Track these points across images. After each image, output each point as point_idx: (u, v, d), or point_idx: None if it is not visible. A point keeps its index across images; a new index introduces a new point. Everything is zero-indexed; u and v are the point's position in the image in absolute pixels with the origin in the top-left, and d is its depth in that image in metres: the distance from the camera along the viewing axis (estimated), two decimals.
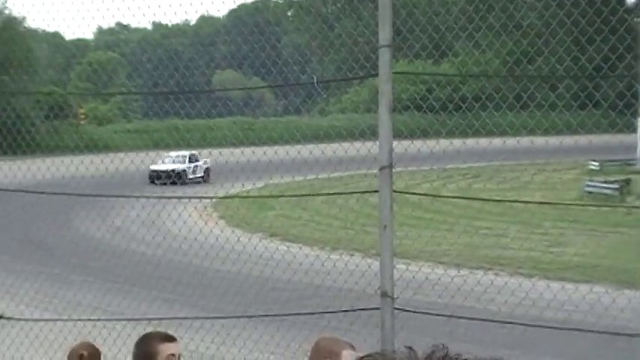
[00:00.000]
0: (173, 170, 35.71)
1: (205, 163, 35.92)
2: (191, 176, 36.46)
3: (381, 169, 6.45)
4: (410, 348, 1.14)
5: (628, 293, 16.93)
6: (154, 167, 33.19)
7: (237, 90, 32.82)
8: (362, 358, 1.15)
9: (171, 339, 4.88)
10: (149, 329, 11.23)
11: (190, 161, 37.75)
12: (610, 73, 12.36)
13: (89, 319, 10.77)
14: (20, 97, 18.26)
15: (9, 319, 7.79)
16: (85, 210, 26.00)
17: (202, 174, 36.51)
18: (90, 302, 14.87)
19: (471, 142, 13.29)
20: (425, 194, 19.16)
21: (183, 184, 33.84)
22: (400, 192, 7.15)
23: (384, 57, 6.45)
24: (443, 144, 12.47)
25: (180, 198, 18.62)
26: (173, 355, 4.77)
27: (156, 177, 32.13)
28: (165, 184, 32.04)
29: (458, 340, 13.66)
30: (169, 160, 36.48)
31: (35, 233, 23.81)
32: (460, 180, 33.26)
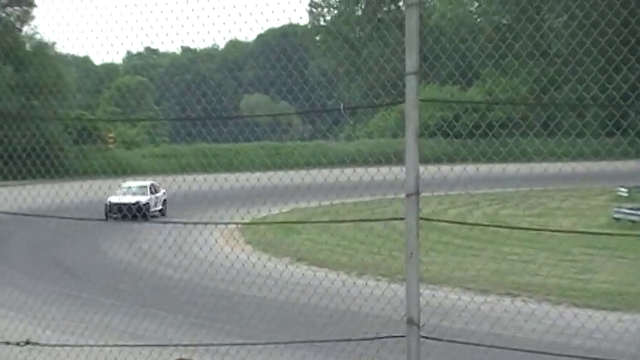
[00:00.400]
0: (136, 203, 31.71)
1: (164, 194, 33.06)
2: (152, 209, 32.46)
3: (408, 195, 6.45)
4: None
5: None
6: (113, 200, 30.46)
7: (265, 116, 32.89)
8: None
9: None
10: (175, 355, 11.24)
11: (151, 192, 33.88)
12: (637, 101, 12.30)
13: (116, 345, 10.79)
14: (50, 121, 18.41)
15: (35, 344, 7.82)
16: (113, 233, 26.13)
17: (161, 206, 33.10)
18: (117, 326, 14.90)
19: (497, 168, 13.26)
20: (452, 221, 19.12)
21: (145, 218, 30.56)
22: (427, 219, 7.15)
23: (411, 84, 6.46)
24: (470, 170, 12.47)
25: (206, 223, 18.65)
26: None
27: (116, 210, 29.68)
28: (125, 217, 29.76)
29: None
30: (129, 191, 33.15)
31: (63, 256, 23.93)
32: (487, 206, 33.14)
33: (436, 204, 26.57)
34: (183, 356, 5.72)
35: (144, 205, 31.38)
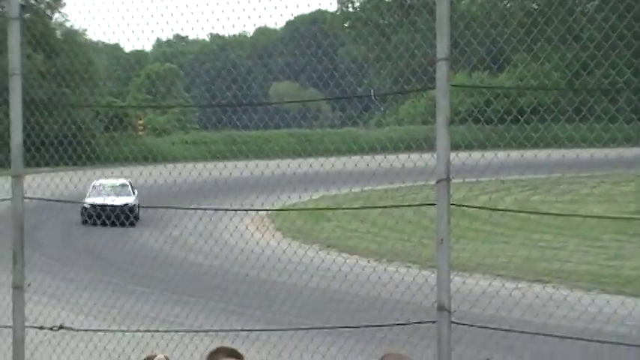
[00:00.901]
0: (125, 205, 26.86)
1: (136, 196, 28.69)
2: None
3: (438, 181, 6.43)
4: None
5: None
6: (94, 201, 26.16)
7: (295, 102, 32.84)
8: None
9: (237, 355, 5.05)
10: (206, 340, 11.30)
11: (133, 192, 29.01)
12: None
13: (147, 330, 10.86)
14: (80, 109, 18.51)
15: (69, 329, 7.88)
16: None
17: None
18: (147, 312, 15.00)
19: (529, 154, 13.20)
20: (483, 207, 19.03)
21: (132, 224, 25.46)
22: (458, 205, 7.12)
23: (442, 70, 6.44)
24: (501, 156, 12.39)
25: (237, 210, 18.70)
26: None
27: (98, 213, 23.95)
28: (113, 224, 24.38)
29: (516, 355, 13.56)
30: (111, 191, 28.70)
31: (94, 243, 24.09)
32: (518, 192, 33.00)
33: (467, 190, 26.47)
34: (224, 344, 5.74)
35: (132, 206, 26.94)
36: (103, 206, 25.64)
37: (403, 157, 10.20)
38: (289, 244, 22.79)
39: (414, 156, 10.67)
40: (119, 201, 27.54)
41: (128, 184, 28.83)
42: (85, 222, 26.51)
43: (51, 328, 7.51)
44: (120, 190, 29.04)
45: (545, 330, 12.31)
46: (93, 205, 25.81)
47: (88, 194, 27.57)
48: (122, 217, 24.26)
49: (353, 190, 26.83)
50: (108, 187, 28.73)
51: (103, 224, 22.77)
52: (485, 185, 29.69)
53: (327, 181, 13.17)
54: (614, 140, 16.24)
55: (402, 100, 35.30)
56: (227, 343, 9.08)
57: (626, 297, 16.73)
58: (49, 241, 24.71)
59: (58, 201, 10.76)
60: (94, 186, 28.20)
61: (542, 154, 13.92)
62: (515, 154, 13.16)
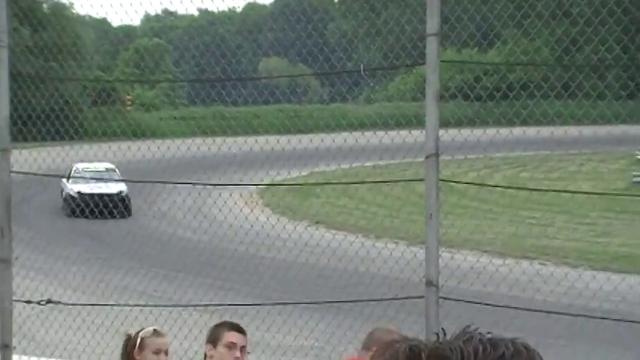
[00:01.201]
0: (119, 193, 24.25)
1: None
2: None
3: (427, 157, 6.43)
4: (442, 329, 1.18)
5: None
6: (81, 189, 24.28)
7: (283, 77, 32.73)
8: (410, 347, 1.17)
9: (238, 329, 5.13)
10: (194, 315, 11.29)
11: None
12: None
13: (136, 305, 10.86)
14: (68, 83, 18.43)
15: (56, 303, 7.88)
16: (131, 195, 26.20)
17: None
18: (136, 287, 15.01)
19: (518, 131, 13.21)
20: (471, 183, 19.06)
21: (127, 213, 23.42)
22: (446, 180, 7.13)
23: (432, 46, 6.42)
24: (490, 132, 12.40)
25: (225, 185, 18.66)
26: (234, 343, 4.99)
27: (87, 203, 21.28)
28: (102, 215, 21.56)
29: (503, 330, 13.57)
30: (96, 177, 25.13)
31: (82, 219, 24.04)
32: (507, 169, 33.05)
33: (455, 167, 26.48)
34: (225, 319, 5.85)
35: (126, 195, 24.40)
36: (92, 195, 22.66)
37: (392, 133, 10.20)
38: (278, 219, 22.78)
39: (403, 132, 10.68)
40: (111, 189, 24.30)
41: (115, 168, 24.90)
42: (71, 213, 23.20)
43: (38, 303, 7.50)
44: (106, 175, 25.14)
45: (532, 305, 12.36)
46: (81, 194, 23.48)
47: (68, 179, 24.79)
48: (114, 207, 21.78)
49: (341, 166, 26.84)
50: (91, 172, 25.04)
51: (93, 215, 20.35)
52: (474, 162, 29.72)
53: (315, 157, 13.18)
54: (603, 117, 16.28)
55: (392, 77, 35.24)
56: (216, 319, 9.09)
57: (613, 273, 16.82)
58: (36, 216, 24.65)
59: (45, 175, 10.74)
60: (75, 170, 24.64)
61: (530, 130, 13.95)
62: (504, 131, 13.16)
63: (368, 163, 24.29)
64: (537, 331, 13.54)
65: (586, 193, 22.05)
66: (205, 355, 5.15)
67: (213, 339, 5.10)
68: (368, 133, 11.29)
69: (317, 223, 23.69)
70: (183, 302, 13.94)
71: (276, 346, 12.57)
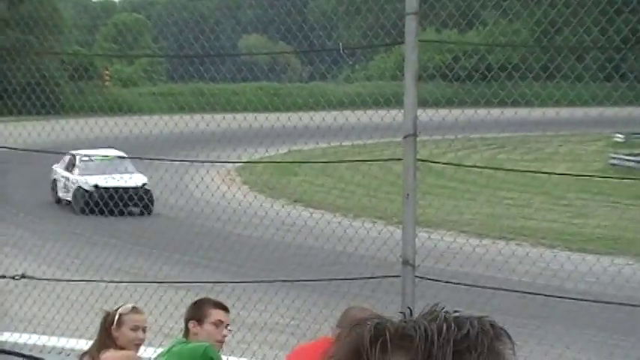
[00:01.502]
0: (143, 185, 21.15)
1: None
2: None
3: (405, 137, 6.43)
4: (409, 308, 1.18)
5: None
6: (97, 182, 21.72)
7: (262, 55, 32.62)
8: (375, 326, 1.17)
9: (224, 307, 5.24)
10: (170, 292, 11.28)
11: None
12: (637, 45, 12.22)
13: (112, 281, 10.83)
14: (45, 57, 18.29)
15: (31, 278, 7.84)
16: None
17: None
18: (112, 264, 14.96)
19: (496, 111, 13.24)
20: (448, 163, 19.11)
21: (148, 210, 20.34)
22: (424, 160, 7.14)
23: (411, 25, 6.40)
24: (468, 113, 12.43)
25: (203, 162, 18.60)
26: (221, 321, 5.03)
27: (101, 198, 18.35)
28: (123, 212, 18.47)
29: (478, 310, 13.64)
30: (109, 167, 22.43)
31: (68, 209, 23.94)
32: (485, 150, 33.14)
33: (433, 147, 26.52)
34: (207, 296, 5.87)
35: (148, 187, 20.86)
36: (111, 189, 19.45)
37: (371, 112, 10.20)
38: (255, 197, 22.77)
39: (382, 112, 10.67)
40: (134, 181, 21.20)
41: (127, 158, 21.57)
42: (87, 209, 19.62)
43: (13, 277, 7.46)
44: (119, 165, 22.26)
45: (507, 285, 12.43)
46: (98, 188, 20.86)
47: (70, 169, 22.57)
48: (138, 202, 18.99)
49: (320, 145, 26.81)
50: (98, 161, 22.27)
51: (112, 213, 17.30)
52: (452, 143, 29.77)
53: (294, 135, 13.16)
54: (580, 99, 16.33)
55: (371, 56, 35.20)
56: (192, 296, 9.09)
57: (588, 254, 16.93)
58: (12, 191, 24.53)
59: (23, 150, 10.65)
60: (80, 160, 22.42)
61: (508, 111, 13.98)
62: (482, 112, 13.19)
63: (346, 143, 24.31)
64: (512, 311, 13.62)
65: (562, 174, 22.17)
66: (188, 332, 5.15)
67: (198, 316, 5.11)
68: (346, 112, 11.29)
69: (295, 201, 23.68)
70: (158, 279, 13.91)
71: (251, 324, 12.58)
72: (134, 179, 21.44)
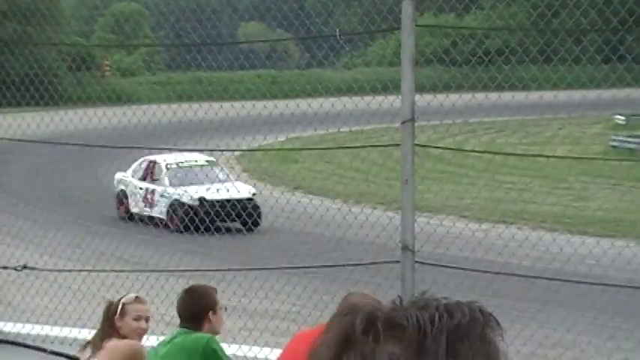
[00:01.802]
0: (252, 197, 18.79)
1: None
2: None
3: (403, 122, 6.45)
4: (399, 296, 1.19)
5: None
6: (203, 194, 18.73)
7: (259, 42, 32.59)
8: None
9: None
10: (172, 280, 11.32)
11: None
12: (635, 26, 12.22)
13: (112, 270, 10.88)
14: (44, 48, 18.29)
15: (32, 268, 7.87)
16: (110, 161, 26.13)
17: None
18: (113, 252, 15.00)
19: (493, 96, 13.25)
20: (447, 148, 19.12)
21: (255, 225, 17.32)
22: (422, 145, 7.16)
23: (407, 10, 6.42)
24: (465, 98, 12.44)
25: (201, 150, 18.59)
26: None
27: (206, 214, 15.23)
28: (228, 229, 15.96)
29: (478, 294, 13.70)
30: (201, 175, 19.46)
31: (60, 184, 23.96)
32: (483, 134, 33.14)
33: (432, 132, 26.50)
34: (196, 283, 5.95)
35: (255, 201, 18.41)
36: (219, 203, 16.25)
37: (369, 98, 10.21)
38: (255, 185, 22.80)
39: (380, 97, 10.68)
40: (242, 192, 18.66)
41: (218, 162, 19.78)
42: (186, 226, 16.77)
43: (15, 268, 7.49)
44: (210, 171, 19.29)
45: (507, 269, 12.47)
46: (204, 202, 18.03)
47: (161, 180, 19.89)
48: (247, 216, 16.42)
49: (319, 132, 26.82)
50: (189, 166, 19.86)
51: (217, 229, 14.92)
52: (451, 127, 29.77)
53: (292, 122, 13.18)
54: (578, 81, 16.33)
55: (370, 42, 35.16)
56: (183, 280, 9.14)
57: (588, 237, 16.95)
58: (12, 181, 24.57)
59: (21, 141, 10.68)
60: (167, 166, 20.16)
61: (506, 95, 13.99)
62: (479, 96, 13.20)
63: (345, 129, 24.27)
64: (513, 294, 13.67)
65: (562, 157, 22.18)
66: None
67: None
68: (344, 99, 11.31)
69: (295, 188, 23.71)
70: (160, 268, 13.95)
71: (252, 311, 12.63)
72: (241, 190, 18.87)
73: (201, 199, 18.60)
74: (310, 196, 20.93)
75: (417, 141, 6.62)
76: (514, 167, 24.97)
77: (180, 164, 19.94)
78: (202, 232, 15.00)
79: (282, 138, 24.41)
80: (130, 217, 20.36)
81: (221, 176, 19.55)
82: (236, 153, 23.40)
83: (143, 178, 20.77)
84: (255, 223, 17.25)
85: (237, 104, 14.62)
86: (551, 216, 18.97)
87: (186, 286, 5.67)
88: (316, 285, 12.98)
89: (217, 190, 18.11)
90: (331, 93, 16.95)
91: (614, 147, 30.17)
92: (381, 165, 25.35)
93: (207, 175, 18.99)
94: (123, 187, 21.49)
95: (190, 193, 19.17)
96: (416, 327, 1.10)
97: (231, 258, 16.06)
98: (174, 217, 18.88)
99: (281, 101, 14.89)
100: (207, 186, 18.58)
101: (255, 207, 17.69)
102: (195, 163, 19.89)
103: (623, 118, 35.08)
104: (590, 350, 12.94)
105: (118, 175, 21.65)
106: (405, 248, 6.54)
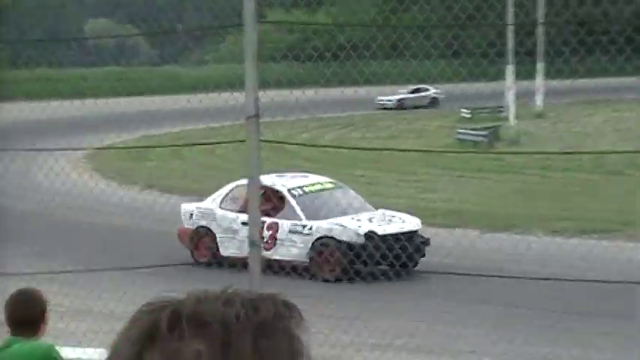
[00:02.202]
0: (417, 230, 15.79)
1: None
2: None
3: (248, 118, 6.40)
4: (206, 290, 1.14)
5: (498, 236, 17.45)
6: (373, 228, 15.07)
7: (110, 39, 32.00)
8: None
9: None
10: (22, 285, 10.95)
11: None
12: (482, 22, 12.51)
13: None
14: None
15: None
16: None
17: None
18: None
19: (349, 91, 13.34)
20: (293, 143, 19.12)
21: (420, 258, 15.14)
22: (267, 141, 7.12)
23: (249, 6, 6.37)
24: (321, 93, 12.48)
25: (52, 150, 18.10)
26: None
27: (381, 250, 13.25)
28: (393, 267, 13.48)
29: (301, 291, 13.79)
30: (329, 201, 16.10)
31: None
32: (338, 129, 33.45)
33: (288, 128, 26.60)
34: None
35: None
36: (390, 237, 14.11)
37: (213, 95, 10.13)
38: (108, 184, 22.37)
39: (237, 94, 10.61)
40: (409, 225, 15.48)
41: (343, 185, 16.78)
42: (351, 270, 13.96)
43: None
44: (342, 198, 16.23)
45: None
46: (374, 237, 14.48)
47: (284, 211, 15.65)
48: (415, 251, 14.34)
49: (173, 129, 26.55)
50: (316, 191, 16.02)
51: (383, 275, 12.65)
52: (307, 123, 29.95)
53: (145, 120, 12.97)
54: (429, 76, 16.62)
55: (223, 38, 34.98)
56: (45, 287, 8.84)
57: (439, 228, 17.28)
58: None
59: None
60: (291, 194, 15.77)
61: (361, 91, 14.10)
62: (335, 92, 13.28)
63: (200, 126, 24.10)
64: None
65: (407, 150, 22.58)
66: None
67: None
68: (199, 96, 11.19)
69: (149, 187, 23.37)
70: (9, 272, 13.50)
71: (108, 314, 12.36)
72: (408, 222, 15.67)
73: (372, 234, 14.81)
74: (167, 194, 20.64)
75: (274, 137, 6.59)
76: (365, 161, 25.32)
77: (304, 188, 15.98)
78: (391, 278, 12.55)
79: (136, 136, 24.03)
80: (219, 262, 14.95)
81: (356, 204, 16.33)
82: (87, 152, 22.92)
83: (242, 210, 14.85)
84: (419, 259, 14.66)
85: (89, 102, 14.27)
86: (401, 208, 19.19)
87: (15, 290, 5.38)
88: (172, 285, 12.79)
89: (389, 220, 15.23)
90: (185, 90, 16.76)
91: (460, 140, 30.88)
92: (237, 162, 25.27)
93: (338, 203, 15.76)
94: (204, 223, 16.81)
95: (354, 228, 15.12)
96: (221, 324, 1.05)
97: None
98: (330, 259, 14.93)
99: (134, 98, 14.64)
100: (367, 219, 15.39)
101: (424, 242, 15.04)
102: (321, 187, 16.29)
103: (467, 111, 35.96)
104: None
105: (189, 207, 17.03)
106: (252, 244, 6.51)
